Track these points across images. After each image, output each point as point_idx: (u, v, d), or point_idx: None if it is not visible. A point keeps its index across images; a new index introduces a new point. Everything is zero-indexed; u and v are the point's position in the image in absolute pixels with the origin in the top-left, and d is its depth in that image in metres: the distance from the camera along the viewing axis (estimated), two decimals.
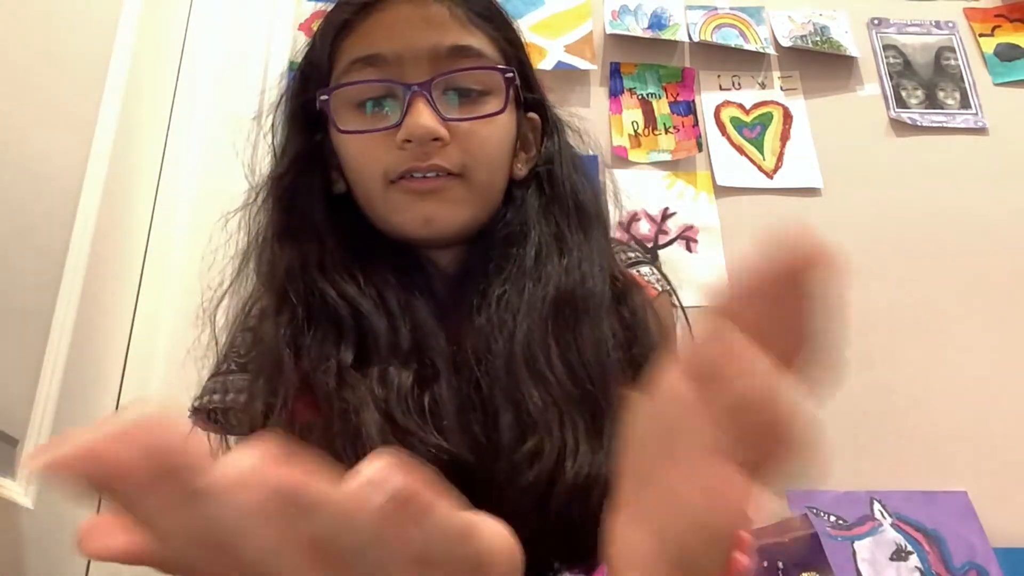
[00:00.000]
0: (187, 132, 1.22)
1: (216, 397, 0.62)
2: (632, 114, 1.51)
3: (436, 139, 0.58)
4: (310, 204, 0.63)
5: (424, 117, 0.57)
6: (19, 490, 0.86)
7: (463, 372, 0.57)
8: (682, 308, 0.71)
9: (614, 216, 0.73)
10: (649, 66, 1.56)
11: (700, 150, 1.47)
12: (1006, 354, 1.33)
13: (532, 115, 0.68)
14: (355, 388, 0.54)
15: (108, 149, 1.03)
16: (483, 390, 0.56)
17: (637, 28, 1.56)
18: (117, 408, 1.06)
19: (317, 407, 0.55)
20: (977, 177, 1.46)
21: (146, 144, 1.17)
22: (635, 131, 1.49)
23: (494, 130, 0.61)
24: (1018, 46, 1.57)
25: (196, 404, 0.64)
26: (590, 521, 0.49)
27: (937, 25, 1.61)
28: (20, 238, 0.86)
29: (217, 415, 0.62)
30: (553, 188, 0.65)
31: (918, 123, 1.50)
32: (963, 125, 1.50)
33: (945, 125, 1.50)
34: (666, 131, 1.49)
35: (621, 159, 1.46)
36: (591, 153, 0.73)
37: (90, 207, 0.99)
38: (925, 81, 1.55)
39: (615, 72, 1.55)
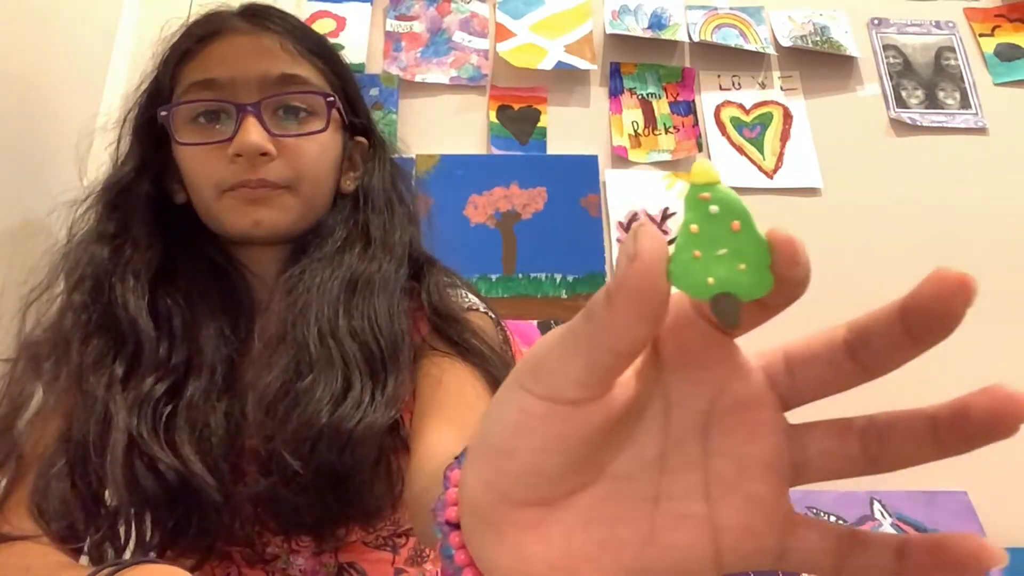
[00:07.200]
0: None
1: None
2: (632, 114, 1.51)
3: (264, 154, 0.64)
4: (138, 212, 0.68)
5: (252, 134, 0.63)
6: None
7: (256, 358, 0.63)
8: (503, 327, 0.75)
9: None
10: (649, 66, 1.56)
11: (700, 150, 1.47)
12: (1006, 353, 1.33)
13: (360, 139, 0.75)
14: (116, 402, 0.59)
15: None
16: (272, 369, 0.61)
17: (637, 28, 1.56)
18: None
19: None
20: (977, 177, 1.46)
21: None
22: (635, 131, 1.49)
23: (317, 147, 0.68)
24: (1018, 46, 1.57)
25: None
26: (360, 476, 0.58)
27: (937, 25, 1.61)
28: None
29: None
30: (368, 196, 0.72)
31: (918, 123, 1.50)
32: (963, 125, 1.50)
33: (945, 125, 1.50)
34: (666, 131, 1.49)
35: (621, 159, 1.46)
36: (404, 156, 0.81)
37: None
38: (925, 81, 1.55)
39: (615, 72, 1.55)
